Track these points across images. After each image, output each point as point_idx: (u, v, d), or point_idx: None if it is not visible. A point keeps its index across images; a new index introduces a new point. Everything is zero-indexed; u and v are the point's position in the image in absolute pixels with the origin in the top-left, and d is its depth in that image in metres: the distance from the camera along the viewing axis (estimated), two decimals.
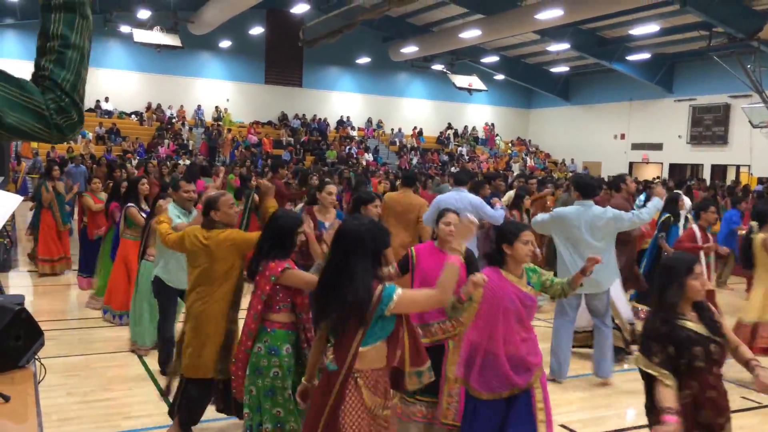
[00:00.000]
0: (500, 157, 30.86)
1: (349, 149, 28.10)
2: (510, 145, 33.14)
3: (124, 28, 23.41)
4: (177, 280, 5.15)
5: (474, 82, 27.03)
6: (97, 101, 26.08)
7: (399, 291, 2.73)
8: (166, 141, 25.05)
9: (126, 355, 6.06)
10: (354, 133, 30.11)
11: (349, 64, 30.21)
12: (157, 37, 22.13)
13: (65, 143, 15.01)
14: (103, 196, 8.23)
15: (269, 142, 27.43)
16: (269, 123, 29.22)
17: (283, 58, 29.07)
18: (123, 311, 6.80)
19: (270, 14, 27.80)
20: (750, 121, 21.38)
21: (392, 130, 31.09)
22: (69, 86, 1.30)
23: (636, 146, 28.59)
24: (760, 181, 21.18)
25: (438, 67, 28.65)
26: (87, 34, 1.34)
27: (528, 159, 31.21)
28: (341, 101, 30.85)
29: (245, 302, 3.90)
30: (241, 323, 3.91)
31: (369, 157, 27.94)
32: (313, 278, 3.44)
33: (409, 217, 6.86)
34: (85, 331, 6.90)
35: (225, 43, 27.69)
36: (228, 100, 28.71)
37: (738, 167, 24.42)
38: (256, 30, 27.29)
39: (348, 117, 30.75)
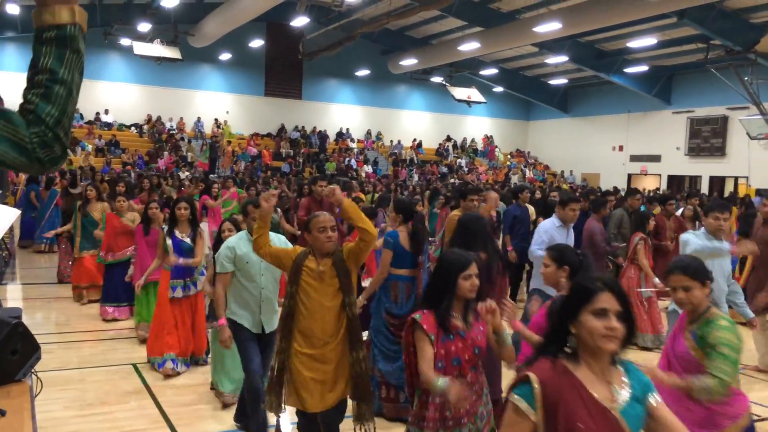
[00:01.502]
0: (499, 169, 30.91)
1: (349, 161, 28.14)
2: (509, 156, 33.20)
3: (125, 41, 23.51)
4: (251, 320, 4.38)
5: (473, 94, 27.12)
6: (97, 113, 26.15)
7: None
8: (165, 153, 25.09)
9: (123, 369, 6.04)
10: (353, 145, 30.18)
11: (349, 76, 30.33)
12: (157, 49, 22.23)
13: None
14: (132, 217, 7.75)
15: (269, 154, 27.48)
16: (269, 135, 29.28)
17: (283, 70, 29.20)
18: (188, 355, 6.02)
19: (270, 27, 27.95)
20: (748, 133, 21.45)
21: (391, 142, 31.16)
22: (53, 121, 1.30)
23: (634, 158, 28.65)
24: (758, 192, 21.18)
25: (437, 79, 28.76)
26: (77, 68, 1.35)
27: (527, 171, 31.25)
28: (340, 113, 30.94)
29: None
30: None
31: (368, 168, 27.98)
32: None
33: None
34: (81, 344, 6.88)
35: (225, 56, 27.81)
36: (228, 112, 28.80)
37: (736, 179, 24.46)
38: (256, 43, 27.43)
39: (347, 129, 30.83)
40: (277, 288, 4.50)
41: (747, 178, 23.73)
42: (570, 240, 6.02)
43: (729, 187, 24.24)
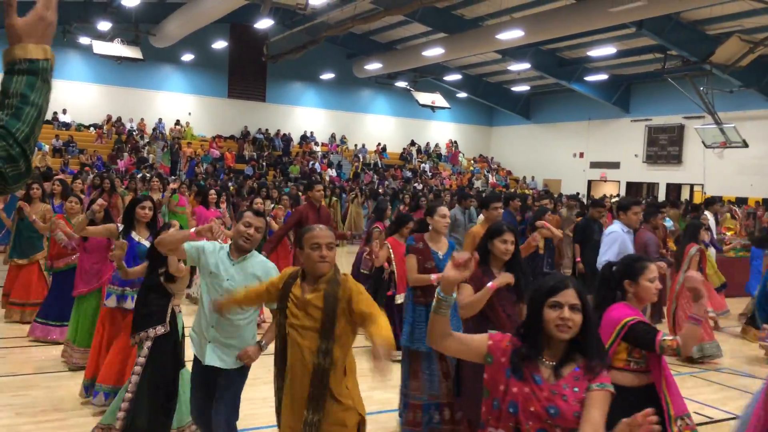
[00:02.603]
0: (463, 174, 31.17)
1: (313, 164, 28.04)
2: (472, 162, 33.50)
3: (84, 40, 23.03)
4: (198, 346, 3.76)
5: (437, 99, 27.31)
6: (55, 113, 25.53)
7: None
8: (125, 154, 24.63)
9: (78, 374, 5.89)
10: (317, 149, 30.07)
11: (313, 79, 30.24)
12: (117, 49, 21.82)
13: None
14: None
15: (231, 156, 27.20)
16: (232, 137, 28.99)
17: (247, 72, 28.95)
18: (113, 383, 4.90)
19: (233, 29, 27.70)
20: (703, 142, 22.04)
21: (356, 145, 31.16)
22: (22, 137, 1.31)
23: (594, 164, 29.19)
24: (714, 199, 21.76)
25: (401, 84, 28.89)
26: (46, 97, 1.37)
27: (490, 176, 31.58)
28: (305, 116, 30.82)
29: None
30: None
31: (332, 172, 27.92)
32: None
33: None
34: (33, 349, 6.70)
35: (187, 57, 27.45)
36: (190, 113, 28.42)
37: (692, 186, 25.11)
38: (220, 44, 27.15)
39: (311, 132, 30.71)
40: (252, 314, 3.77)
41: (702, 185, 24.38)
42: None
43: (685, 194, 24.87)
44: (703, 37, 20.38)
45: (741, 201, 21.31)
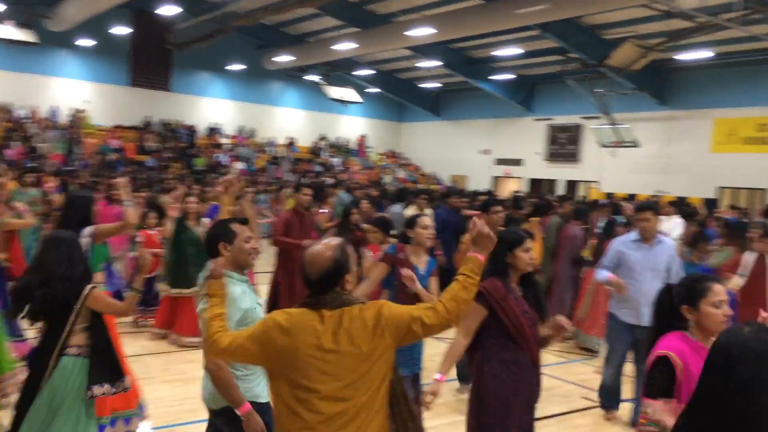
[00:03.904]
0: (373, 169, 31.36)
1: (219, 157, 27.37)
2: (383, 157, 33.77)
3: None
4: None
5: (348, 94, 27.30)
6: None
7: None
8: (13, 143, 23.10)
9: None
10: (225, 141, 29.37)
11: (221, 70, 29.48)
12: (8, 31, 20.42)
13: None
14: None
15: (132, 147, 26.10)
16: (133, 127, 27.80)
17: (150, 60, 27.79)
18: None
19: (136, 14, 26.50)
20: (598, 141, 23.22)
21: (265, 138, 30.67)
22: None
23: (500, 161, 30.13)
24: (608, 196, 23.00)
25: (312, 77, 28.67)
26: None
27: (399, 171, 31.95)
28: (212, 107, 30.00)
29: None
30: None
31: (241, 166, 27.36)
32: None
33: None
34: None
35: (86, 42, 26.04)
36: (88, 101, 26.99)
37: (589, 183, 26.42)
38: (121, 30, 25.89)
39: (219, 124, 29.95)
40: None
41: (598, 182, 25.70)
42: (654, 258, 5.31)
43: (582, 191, 26.13)
44: (600, 42, 21.44)
45: (632, 197, 22.61)
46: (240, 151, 28.88)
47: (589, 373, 6.83)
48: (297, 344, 2.34)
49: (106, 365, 3.60)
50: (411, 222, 4.54)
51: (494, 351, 3.51)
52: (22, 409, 3.44)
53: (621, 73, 20.06)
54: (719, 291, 2.64)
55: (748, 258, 6.77)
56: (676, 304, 2.70)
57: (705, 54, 20.37)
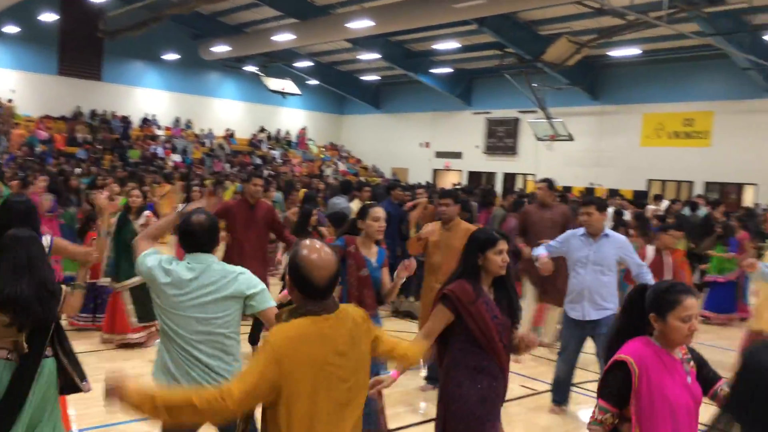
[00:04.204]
0: (313, 162, 31.17)
1: (155, 149, 26.66)
2: (323, 149, 33.61)
3: None
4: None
5: (287, 85, 27.01)
6: None
7: None
8: None
9: None
10: (160, 133, 28.61)
11: (156, 59, 28.66)
12: None
13: None
14: None
15: (62, 139, 25.12)
16: (62, 118, 26.74)
17: (80, 48, 26.76)
18: None
19: (65, 0, 25.46)
20: (535, 135, 23.75)
21: (202, 130, 30.04)
22: None
23: (440, 154, 30.43)
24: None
25: (251, 68, 28.22)
26: None
27: (340, 164, 31.87)
28: (146, 98, 29.15)
29: None
30: None
31: (177, 157, 26.73)
32: None
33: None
34: None
35: (11, 29, 24.84)
36: (13, 91, 25.79)
37: (525, 176, 27.01)
38: (49, 16, 24.80)
39: (153, 115, 29.15)
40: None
41: (534, 175, 26.29)
42: (598, 253, 5.27)
43: (519, 184, 26.69)
44: (536, 37, 21.89)
45: (567, 190, 23.23)
46: (176, 143, 28.20)
47: (528, 360, 7.00)
48: (317, 355, 2.21)
49: (78, 363, 3.53)
50: (363, 213, 4.36)
51: (461, 356, 3.33)
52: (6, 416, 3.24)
53: (556, 68, 20.55)
54: (690, 305, 2.51)
55: (650, 252, 7.05)
56: (646, 308, 2.59)
57: (634, 51, 21.10)
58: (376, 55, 25.88)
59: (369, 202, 5.48)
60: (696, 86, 21.89)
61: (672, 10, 16.17)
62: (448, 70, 27.18)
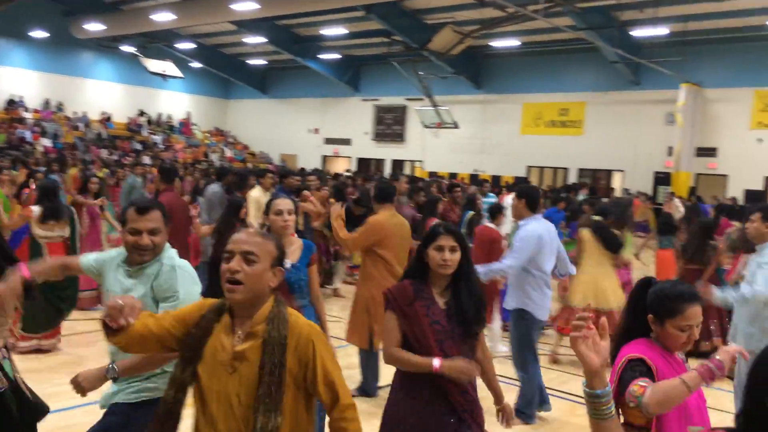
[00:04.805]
0: (198, 147, 30.14)
1: (22, 133, 24.74)
2: (208, 135, 32.55)
3: None
4: None
5: (168, 67, 25.88)
6: None
7: None
8: None
9: None
10: (28, 116, 26.55)
11: (22, 36, 26.48)
12: None
13: None
14: None
15: None
16: None
17: None
18: None
19: None
20: (422, 122, 24.20)
21: (75, 113, 28.19)
22: None
23: (329, 141, 30.34)
24: (432, 175, 24.10)
25: (129, 48, 26.77)
26: None
27: (226, 150, 31.02)
28: (11, 78, 26.91)
29: None
30: None
31: (47, 142, 24.95)
32: None
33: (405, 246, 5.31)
34: None
35: None
36: None
37: (413, 162, 27.49)
38: None
39: (21, 97, 27.00)
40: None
41: (422, 162, 26.83)
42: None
43: (407, 170, 27.14)
44: (422, 26, 22.24)
45: (453, 176, 23.90)
46: (46, 126, 26.29)
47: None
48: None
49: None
50: (266, 207, 3.92)
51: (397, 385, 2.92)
52: None
53: (441, 57, 20.99)
54: (691, 315, 2.35)
55: None
56: (646, 306, 2.45)
57: (514, 42, 21.95)
58: (262, 39, 25.32)
59: (275, 194, 5.03)
60: (570, 77, 23.11)
61: (548, 4, 16.94)
62: (336, 56, 27.07)
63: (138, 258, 2.67)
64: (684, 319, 2.35)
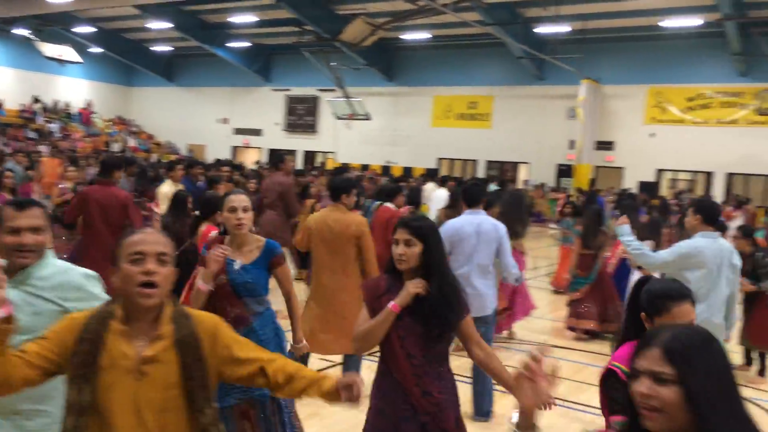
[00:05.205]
0: (98, 137, 28.72)
1: None
2: (110, 123, 31.08)
3: None
4: None
5: (66, 52, 24.54)
6: None
7: None
8: None
9: None
10: None
11: None
12: None
13: None
14: None
15: None
16: None
17: None
18: None
19: None
20: (334, 114, 24.12)
21: None
22: None
23: (239, 131, 29.71)
24: (343, 165, 24.07)
25: (21, 31, 25.09)
26: None
27: (130, 139, 29.75)
28: None
29: None
30: None
31: None
32: None
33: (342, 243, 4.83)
34: None
35: None
36: None
37: (326, 154, 27.37)
38: None
39: None
40: None
41: (334, 153, 26.75)
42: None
43: (319, 161, 27.02)
44: (334, 16, 22.10)
45: (365, 168, 23.99)
46: None
47: None
48: None
49: None
50: (221, 204, 3.51)
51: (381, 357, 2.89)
52: None
53: (353, 48, 20.96)
54: (679, 314, 2.33)
55: None
56: (640, 306, 2.45)
57: (425, 35, 22.24)
58: (167, 24, 24.38)
59: (235, 189, 4.49)
60: (479, 71, 23.67)
61: None
62: (245, 44, 26.48)
63: (19, 262, 2.28)
64: (671, 318, 2.31)
